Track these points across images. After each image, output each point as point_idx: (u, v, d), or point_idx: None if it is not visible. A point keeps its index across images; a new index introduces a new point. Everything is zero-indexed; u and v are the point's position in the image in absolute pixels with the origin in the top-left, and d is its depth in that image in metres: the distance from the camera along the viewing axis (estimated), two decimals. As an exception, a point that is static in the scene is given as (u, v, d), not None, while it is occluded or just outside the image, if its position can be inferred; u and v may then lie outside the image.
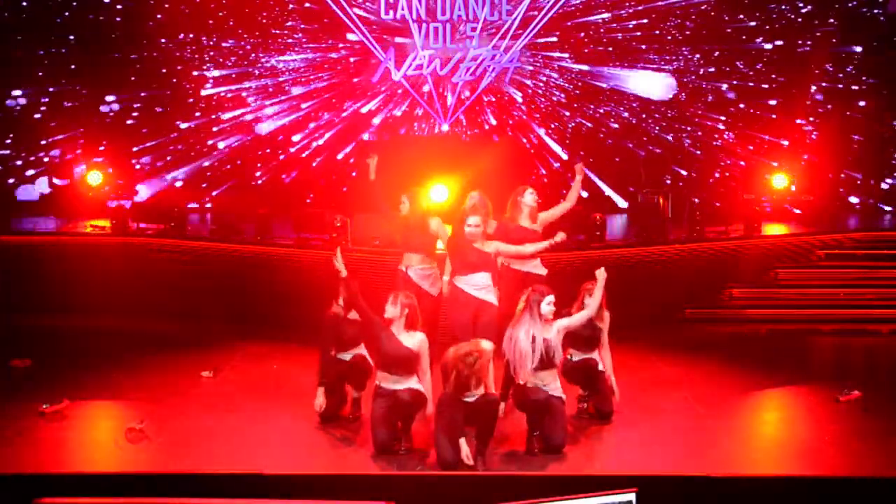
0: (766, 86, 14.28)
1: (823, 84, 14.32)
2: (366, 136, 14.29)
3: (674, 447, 7.29)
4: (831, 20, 14.15)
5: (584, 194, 8.50)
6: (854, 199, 14.14)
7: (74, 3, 14.06)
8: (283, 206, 13.03)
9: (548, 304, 6.97)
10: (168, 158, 14.29)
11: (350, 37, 14.07)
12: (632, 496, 4.43)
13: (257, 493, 6.18)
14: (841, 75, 14.32)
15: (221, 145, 14.31)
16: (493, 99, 14.34)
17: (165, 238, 11.89)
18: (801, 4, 14.18)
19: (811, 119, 14.36)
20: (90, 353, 9.70)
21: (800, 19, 14.17)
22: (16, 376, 8.91)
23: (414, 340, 7.03)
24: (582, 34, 14.14)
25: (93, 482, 6.45)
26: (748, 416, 8.32)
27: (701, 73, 14.27)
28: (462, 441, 6.64)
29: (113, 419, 7.88)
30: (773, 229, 12.54)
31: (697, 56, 14.20)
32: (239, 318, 10.87)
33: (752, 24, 14.17)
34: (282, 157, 14.35)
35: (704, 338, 10.63)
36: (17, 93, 14.03)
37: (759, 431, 7.99)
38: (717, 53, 14.19)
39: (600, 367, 7.75)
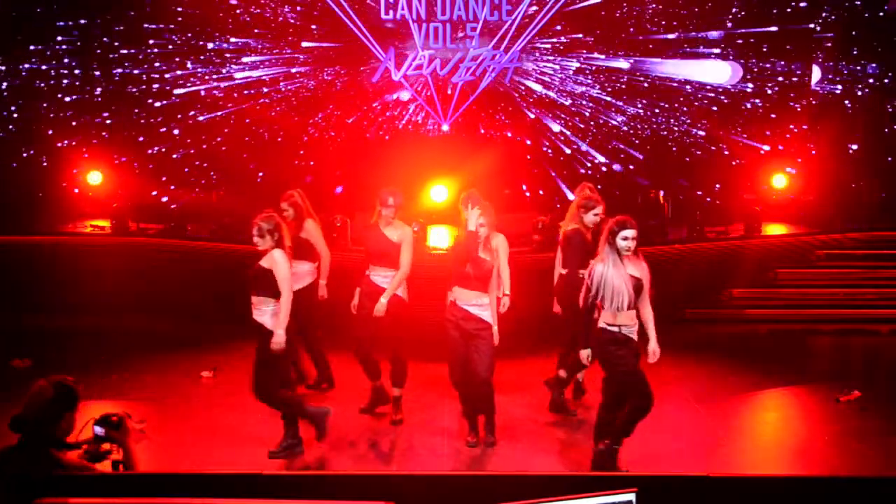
0: (766, 84, 14.31)
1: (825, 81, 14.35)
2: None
3: (674, 447, 7.30)
4: (830, 18, 14.17)
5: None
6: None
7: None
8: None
9: (623, 240, 6.49)
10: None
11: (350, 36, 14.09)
12: (632, 496, 4.41)
13: (257, 493, 6.18)
14: (840, 77, 14.34)
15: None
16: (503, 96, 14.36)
17: (165, 238, 11.88)
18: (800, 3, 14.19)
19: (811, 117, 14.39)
20: (90, 353, 9.71)
21: (802, 25, 14.19)
22: (16, 376, 8.91)
23: (397, 232, 7.63)
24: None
25: (93, 482, 6.45)
26: (748, 416, 8.33)
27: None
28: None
29: (113, 419, 7.86)
30: (773, 229, 12.54)
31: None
32: (239, 318, 10.81)
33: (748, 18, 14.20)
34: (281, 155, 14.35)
35: (704, 338, 10.63)
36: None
37: (759, 431, 7.99)
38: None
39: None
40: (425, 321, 9.71)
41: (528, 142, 14.30)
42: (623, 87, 14.23)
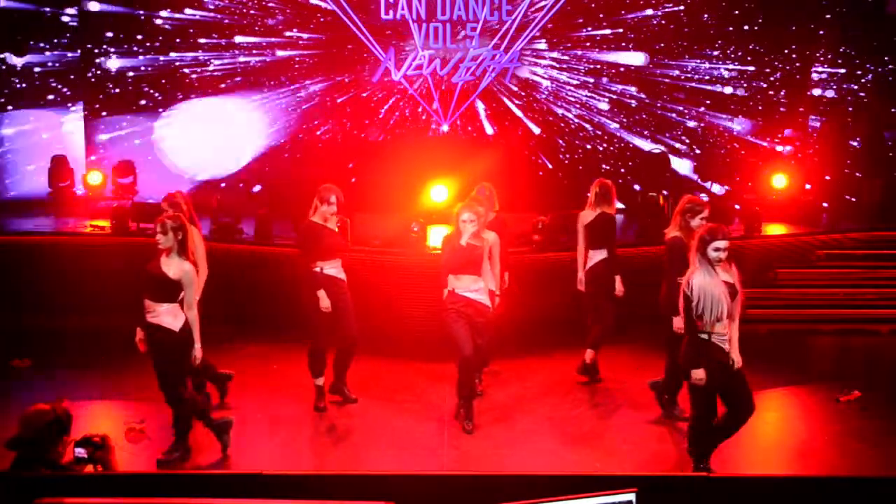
0: (766, 84, 14.31)
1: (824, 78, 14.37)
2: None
3: (674, 447, 7.29)
4: (828, 16, 14.19)
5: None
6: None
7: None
8: (282, 206, 13.03)
9: (715, 251, 6.38)
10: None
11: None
12: (632, 496, 4.42)
13: (257, 493, 6.19)
14: (839, 78, 14.36)
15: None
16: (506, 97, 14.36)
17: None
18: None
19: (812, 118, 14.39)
20: (90, 353, 9.71)
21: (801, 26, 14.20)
22: (16, 376, 8.91)
23: (334, 224, 8.00)
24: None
25: (93, 482, 6.45)
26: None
27: (701, 70, 14.28)
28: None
29: (113, 419, 7.87)
30: (773, 229, 12.53)
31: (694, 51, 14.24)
32: (239, 318, 10.84)
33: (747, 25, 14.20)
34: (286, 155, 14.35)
35: (704, 338, 10.61)
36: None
37: (759, 431, 7.98)
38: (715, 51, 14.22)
39: None
40: (425, 321, 9.74)
41: (533, 138, 14.31)
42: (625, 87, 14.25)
